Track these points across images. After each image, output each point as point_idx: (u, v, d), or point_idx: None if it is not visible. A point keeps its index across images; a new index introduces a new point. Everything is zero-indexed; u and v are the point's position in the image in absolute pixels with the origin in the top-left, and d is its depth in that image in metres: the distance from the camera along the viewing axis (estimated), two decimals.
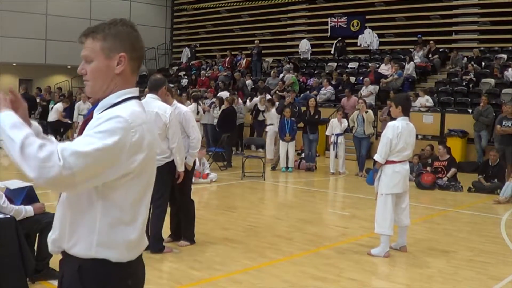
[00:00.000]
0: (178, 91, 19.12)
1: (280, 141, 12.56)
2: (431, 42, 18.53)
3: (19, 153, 1.63)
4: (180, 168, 5.60)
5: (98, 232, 1.84)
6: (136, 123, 1.83)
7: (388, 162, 5.89)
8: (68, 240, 1.88)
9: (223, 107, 14.43)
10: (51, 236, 1.96)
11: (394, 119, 6.06)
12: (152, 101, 5.49)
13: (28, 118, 1.88)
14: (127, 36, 1.95)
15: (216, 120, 14.64)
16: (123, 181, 1.83)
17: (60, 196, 1.94)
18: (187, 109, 6.33)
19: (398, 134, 5.82)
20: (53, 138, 2.03)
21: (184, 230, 6.11)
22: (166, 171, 5.47)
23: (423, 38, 18.84)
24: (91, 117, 1.89)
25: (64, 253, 1.93)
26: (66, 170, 1.63)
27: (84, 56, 1.95)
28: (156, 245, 5.59)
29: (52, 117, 15.48)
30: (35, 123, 1.93)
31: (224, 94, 17.65)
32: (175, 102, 6.05)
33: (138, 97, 2.00)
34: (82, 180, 1.69)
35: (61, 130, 15.85)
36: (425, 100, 15.29)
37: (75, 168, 1.65)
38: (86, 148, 1.68)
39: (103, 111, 1.89)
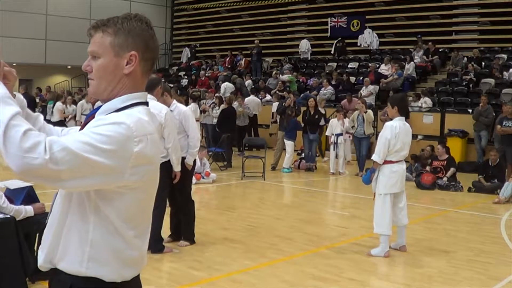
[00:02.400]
0: (178, 91, 19.13)
1: (290, 141, 12.51)
2: (430, 43, 18.53)
3: (2, 133, 1.45)
4: (176, 168, 5.62)
5: (90, 244, 1.67)
6: (140, 133, 1.64)
7: (385, 162, 5.93)
8: (58, 251, 1.72)
9: (222, 106, 14.43)
10: (41, 249, 1.79)
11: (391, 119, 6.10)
12: (148, 101, 5.50)
13: (12, 93, 1.67)
14: (141, 33, 1.75)
15: (215, 120, 14.64)
16: (120, 193, 1.65)
17: (52, 209, 1.79)
18: (187, 108, 6.36)
19: (396, 134, 5.84)
20: (41, 115, 1.91)
21: (184, 230, 6.12)
22: (163, 171, 5.45)
23: (423, 38, 18.85)
24: (92, 119, 1.71)
25: (53, 271, 1.76)
26: (52, 165, 1.46)
27: (91, 51, 1.75)
28: (155, 245, 5.59)
29: (55, 117, 15.41)
30: (19, 96, 1.73)
31: (228, 85, 17.76)
32: (174, 101, 6.07)
33: (147, 103, 1.80)
34: (69, 178, 1.52)
35: None
36: (423, 101, 15.31)
37: (63, 166, 1.48)
38: (79, 148, 1.51)
39: (106, 115, 1.70)
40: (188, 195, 6.11)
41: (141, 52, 1.75)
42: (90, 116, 1.77)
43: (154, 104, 5.51)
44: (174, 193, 5.95)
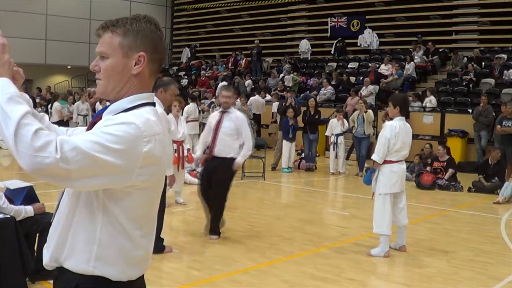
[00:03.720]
0: (178, 91, 19.09)
1: (284, 141, 12.54)
2: (430, 43, 18.52)
3: (13, 132, 1.45)
4: (169, 172, 5.63)
5: (98, 244, 1.68)
6: (149, 133, 1.64)
7: (385, 162, 5.92)
8: (64, 250, 1.72)
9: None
10: (46, 248, 1.80)
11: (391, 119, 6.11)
12: None
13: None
14: (150, 34, 1.76)
15: None
16: (128, 192, 1.66)
17: (58, 206, 1.80)
18: (242, 114, 6.64)
19: (396, 134, 5.84)
20: (46, 116, 1.91)
21: (212, 224, 6.40)
22: None
23: (423, 38, 18.86)
24: (100, 119, 1.71)
25: (59, 269, 1.76)
26: (63, 164, 1.47)
27: (99, 51, 1.76)
28: (156, 245, 5.56)
29: (54, 118, 15.37)
30: (25, 95, 1.70)
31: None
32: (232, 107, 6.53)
33: (154, 104, 1.81)
34: (79, 177, 1.53)
35: None
36: (428, 100, 15.31)
37: (73, 165, 1.49)
38: (89, 147, 1.52)
39: (113, 115, 1.70)
40: (225, 192, 6.39)
41: (150, 53, 1.76)
42: (97, 116, 1.77)
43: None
44: (214, 187, 6.33)
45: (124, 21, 1.76)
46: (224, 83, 18.28)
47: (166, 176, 5.57)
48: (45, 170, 1.47)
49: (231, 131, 6.29)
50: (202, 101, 17.41)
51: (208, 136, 6.49)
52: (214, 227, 6.40)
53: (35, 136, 1.46)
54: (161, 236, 5.75)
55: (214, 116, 6.67)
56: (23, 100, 1.55)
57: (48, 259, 1.78)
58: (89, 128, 1.71)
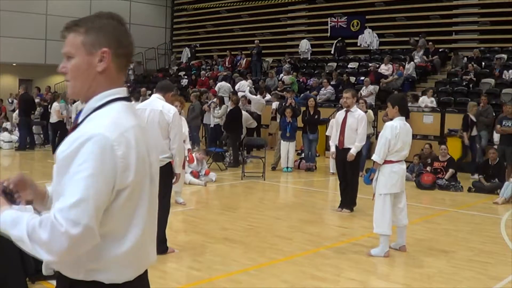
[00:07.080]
0: (178, 91, 19.11)
1: (281, 141, 12.54)
2: (430, 43, 18.52)
3: (31, 244, 1.54)
4: (178, 170, 5.63)
5: (87, 254, 1.65)
6: (116, 135, 1.62)
7: (386, 162, 5.92)
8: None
9: (225, 107, 14.40)
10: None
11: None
12: (158, 100, 5.65)
13: (35, 185, 1.79)
14: (112, 30, 1.75)
15: (216, 120, 14.63)
16: (119, 195, 1.65)
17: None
18: (363, 113, 8.21)
19: (397, 134, 5.84)
20: (48, 188, 1.86)
21: (349, 199, 7.97)
22: (169, 170, 5.49)
23: (423, 38, 18.84)
24: (77, 125, 1.70)
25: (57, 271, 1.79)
26: (74, 229, 1.50)
27: (64, 52, 1.76)
28: (160, 246, 5.57)
29: (53, 118, 15.33)
30: (24, 207, 1.74)
31: (223, 85, 17.92)
32: (355, 106, 8.05)
33: (126, 98, 1.79)
34: (95, 221, 1.56)
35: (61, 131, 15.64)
36: (429, 101, 15.28)
37: (84, 220, 1.52)
38: (80, 193, 1.53)
39: (86, 116, 1.71)
40: (357, 174, 8.11)
41: (114, 49, 1.75)
42: (75, 121, 1.75)
43: (163, 103, 5.60)
44: (347, 171, 7.96)
45: (86, 19, 1.77)
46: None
47: (171, 177, 5.60)
48: (69, 249, 1.53)
49: (354, 126, 7.85)
50: (204, 101, 17.37)
51: (337, 132, 8.06)
52: (351, 201, 8.00)
53: (41, 229, 1.52)
54: (165, 237, 5.74)
55: (340, 114, 8.11)
56: (21, 213, 1.60)
57: (44, 267, 1.82)
58: (71, 131, 1.68)
